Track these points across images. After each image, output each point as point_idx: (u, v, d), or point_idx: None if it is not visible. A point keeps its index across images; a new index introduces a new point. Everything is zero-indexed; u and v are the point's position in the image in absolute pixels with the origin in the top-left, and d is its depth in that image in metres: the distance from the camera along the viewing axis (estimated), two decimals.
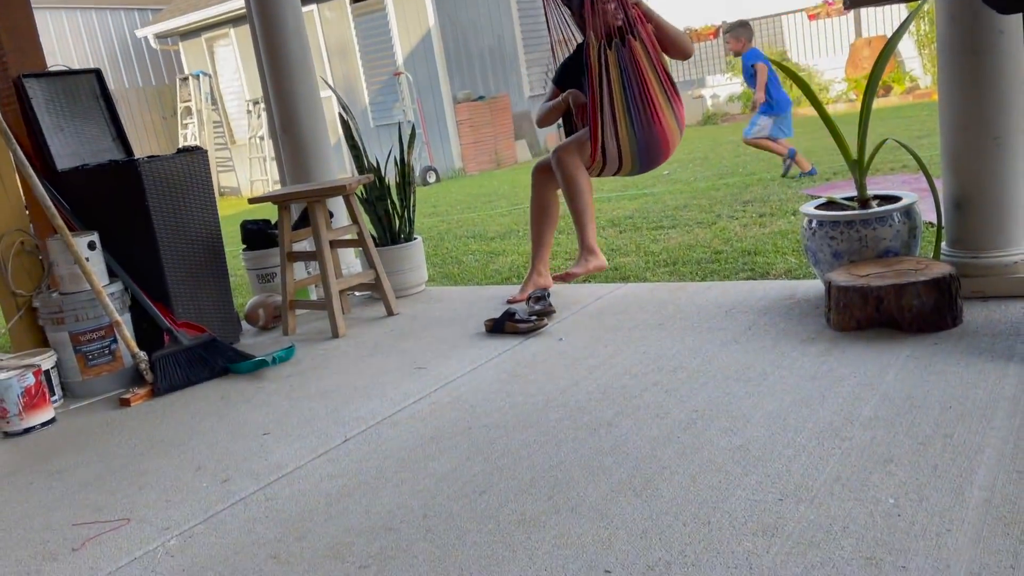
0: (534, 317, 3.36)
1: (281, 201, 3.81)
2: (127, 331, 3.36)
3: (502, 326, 3.35)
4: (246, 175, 14.26)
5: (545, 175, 3.75)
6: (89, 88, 3.87)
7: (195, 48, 14.47)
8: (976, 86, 2.63)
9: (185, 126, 14.33)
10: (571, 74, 3.71)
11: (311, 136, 4.60)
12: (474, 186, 10.45)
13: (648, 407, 2.37)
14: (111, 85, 14.91)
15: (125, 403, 3.21)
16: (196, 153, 3.75)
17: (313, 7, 12.78)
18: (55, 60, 14.57)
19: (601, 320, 3.33)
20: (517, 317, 3.34)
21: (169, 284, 3.60)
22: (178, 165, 3.67)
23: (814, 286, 3.30)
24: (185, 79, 14.37)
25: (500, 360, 3.03)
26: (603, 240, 5.35)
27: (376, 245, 4.35)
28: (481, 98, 12.64)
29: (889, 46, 2.96)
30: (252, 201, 3.78)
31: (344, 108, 4.39)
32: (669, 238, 5.09)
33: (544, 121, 3.83)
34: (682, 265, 4.36)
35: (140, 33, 14.94)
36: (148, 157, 3.62)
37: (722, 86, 13.96)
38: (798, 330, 2.82)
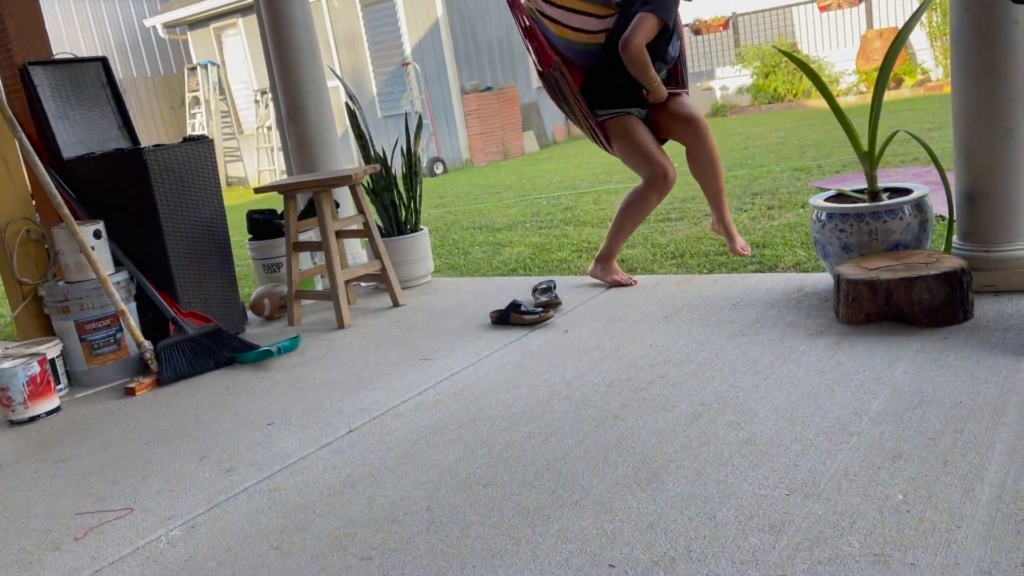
0: (540, 309, 3.34)
1: (287, 191, 3.79)
2: (132, 320, 3.35)
3: (507, 318, 3.33)
4: (254, 165, 14.25)
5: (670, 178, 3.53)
6: (95, 76, 3.86)
7: (203, 38, 14.46)
8: (989, 77, 2.59)
9: (193, 116, 14.32)
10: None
11: (317, 126, 4.58)
12: (481, 177, 10.41)
13: (654, 400, 2.35)
14: (119, 74, 14.98)
15: (130, 392, 3.21)
16: (202, 142, 3.74)
17: None
18: (62, 48, 14.59)
19: (608, 312, 3.31)
20: (523, 309, 3.33)
21: (174, 273, 3.59)
22: (184, 154, 3.65)
23: (823, 280, 3.27)
24: (193, 69, 14.36)
25: (505, 352, 3.02)
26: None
27: (382, 236, 4.33)
28: (489, 89, 12.59)
29: (900, 36, 2.92)
30: (258, 191, 3.76)
31: (351, 97, 4.36)
32: (676, 230, 5.06)
33: (642, 63, 3.33)
34: (689, 257, 4.33)
35: (148, 22, 14.93)
36: (154, 146, 3.61)
37: (731, 78, 13.87)
38: (806, 323, 2.79)
